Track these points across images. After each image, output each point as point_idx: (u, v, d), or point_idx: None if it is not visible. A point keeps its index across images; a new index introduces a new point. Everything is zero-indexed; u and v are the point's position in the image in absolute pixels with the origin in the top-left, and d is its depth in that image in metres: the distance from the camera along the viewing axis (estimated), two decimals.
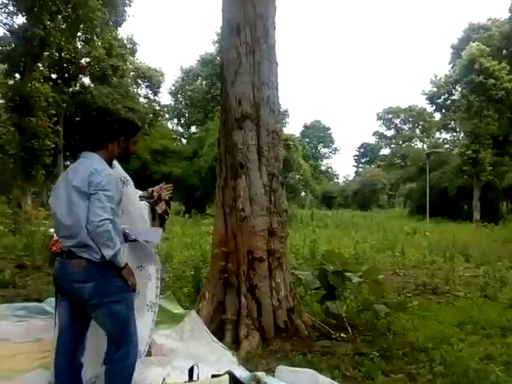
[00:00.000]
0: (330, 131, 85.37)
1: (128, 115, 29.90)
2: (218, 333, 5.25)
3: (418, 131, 75.10)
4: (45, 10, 22.78)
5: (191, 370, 3.76)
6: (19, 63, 25.24)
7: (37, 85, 24.09)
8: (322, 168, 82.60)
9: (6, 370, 4.09)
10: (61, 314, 3.29)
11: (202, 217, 26.18)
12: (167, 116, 52.05)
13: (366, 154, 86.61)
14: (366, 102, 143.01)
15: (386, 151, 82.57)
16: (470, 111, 36.23)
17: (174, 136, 49.55)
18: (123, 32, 52.74)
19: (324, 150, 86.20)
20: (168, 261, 10.33)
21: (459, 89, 40.38)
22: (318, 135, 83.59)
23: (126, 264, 3.18)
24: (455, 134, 52.18)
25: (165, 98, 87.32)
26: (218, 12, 6.19)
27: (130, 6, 28.09)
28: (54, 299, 4.80)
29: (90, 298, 3.06)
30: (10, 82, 25.98)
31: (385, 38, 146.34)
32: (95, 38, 28.06)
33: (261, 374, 3.92)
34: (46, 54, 27.02)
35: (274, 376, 4.04)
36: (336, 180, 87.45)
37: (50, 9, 22.90)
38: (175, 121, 54.81)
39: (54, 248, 4.62)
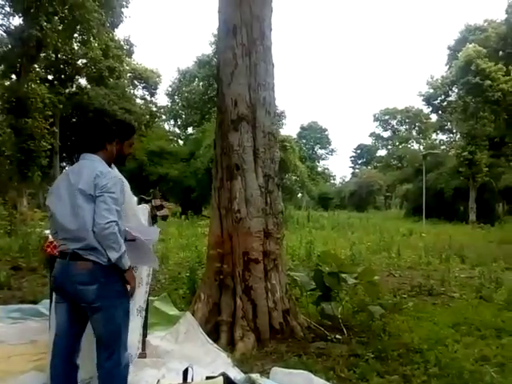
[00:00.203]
0: (326, 132, 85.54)
1: (124, 116, 29.89)
2: (213, 334, 5.25)
3: (414, 132, 75.27)
4: (41, 11, 22.75)
5: (186, 372, 3.76)
6: (15, 64, 25.20)
7: (33, 86, 24.10)
8: (319, 169, 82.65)
9: (1, 372, 4.08)
10: (58, 317, 3.26)
11: (198, 218, 26.16)
12: (164, 117, 52.02)
13: (363, 155, 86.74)
14: (363, 104, 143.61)
15: (382, 152, 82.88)
16: (466, 112, 36.29)
17: (171, 137, 49.47)
18: (120, 33, 52.86)
19: (321, 152, 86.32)
20: (164, 262, 10.31)
21: (456, 90, 40.46)
22: (314, 136, 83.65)
23: (130, 267, 3.17)
24: (451, 135, 52.35)
25: (161, 100, 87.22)
26: (214, 13, 6.19)
27: (126, 7, 28.13)
28: (48, 301, 4.80)
29: (93, 300, 3.04)
30: (7, 83, 25.97)
31: (381, 39, 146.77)
32: (92, 39, 28.00)
33: (255, 376, 3.93)
34: (42, 55, 26.98)
35: (268, 377, 4.04)
36: (332, 181, 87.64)
37: (47, 10, 22.86)
38: (172, 122, 54.78)
39: (49, 250, 4.61)
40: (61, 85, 32.28)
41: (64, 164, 40.92)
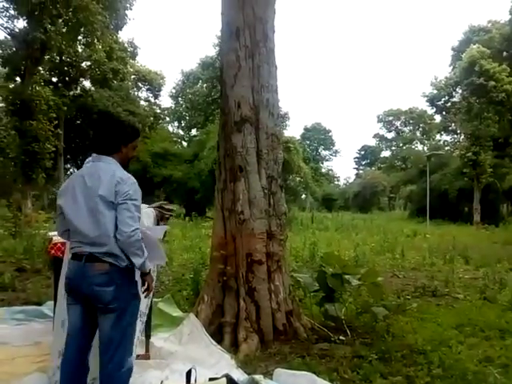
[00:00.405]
0: (330, 133, 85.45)
1: (128, 118, 29.93)
2: (217, 336, 5.25)
3: (418, 133, 75.12)
4: (45, 13, 22.77)
5: (189, 373, 3.77)
6: (20, 67, 25.25)
7: (37, 88, 24.10)
8: (323, 170, 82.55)
9: (5, 374, 4.10)
10: (70, 318, 3.24)
11: (202, 219, 26.19)
12: (168, 119, 52.15)
13: (367, 156, 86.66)
14: (367, 105, 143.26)
15: (386, 153, 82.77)
16: (470, 113, 36.17)
17: (175, 139, 49.60)
18: (124, 35, 53.07)
19: (324, 153, 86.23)
20: (168, 263, 10.32)
21: (460, 91, 40.31)
22: (318, 138, 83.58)
23: (150, 270, 3.21)
24: (456, 136, 52.06)
25: (165, 101, 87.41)
26: (218, 15, 6.20)
27: (130, 9, 28.12)
28: (52, 303, 4.82)
29: (110, 301, 3.04)
30: (11, 86, 25.99)
31: (385, 40, 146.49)
32: (96, 41, 28.04)
33: (259, 377, 3.93)
34: (46, 57, 27.01)
35: (272, 379, 4.04)
36: (336, 182, 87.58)
37: (51, 12, 22.87)
38: (176, 124, 54.99)
39: (53, 251, 4.63)
40: (65, 87, 32.38)
41: (68, 166, 41.13)
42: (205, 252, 9.95)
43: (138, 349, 4.31)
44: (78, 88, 35.42)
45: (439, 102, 45.53)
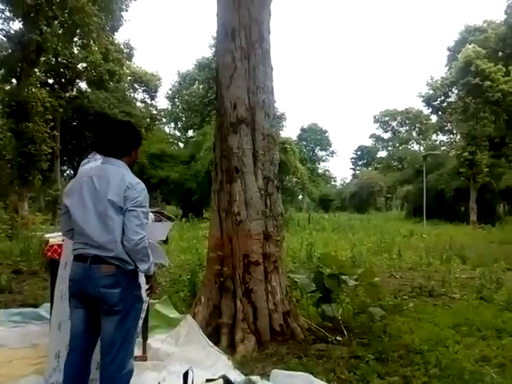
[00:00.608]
0: (326, 134, 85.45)
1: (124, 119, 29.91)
2: (214, 337, 5.26)
3: (414, 133, 75.26)
4: (41, 15, 22.75)
5: (186, 375, 3.77)
6: (16, 68, 25.22)
7: (33, 90, 24.08)
8: (319, 171, 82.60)
9: (2, 376, 4.10)
10: (74, 321, 3.23)
11: (199, 221, 26.15)
12: (164, 120, 52.19)
13: (363, 156, 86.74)
14: (363, 105, 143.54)
15: (382, 154, 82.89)
16: (466, 113, 36.26)
17: (171, 140, 49.62)
18: (120, 37, 53.09)
19: (321, 153, 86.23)
20: (164, 265, 10.31)
21: (455, 91, 40.43)
22: (314, 138, 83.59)
23: (154, 272, 3.24)
24: (452, 136, 52.22)
25: (162, 103, 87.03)
26: (214, 16, 6.19)
27: (126, 10, 28.10)
28: (49, 305, 4.82)
29: (116, 303, 3.05)
30: (7, 88, 26.00)
31: (381, 40, 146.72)
32: (92, 43, 27.97)
33: (255, 378, 3.94)
34: (42, 59, 27.01)
35: (269, 380, 4.05)
36: (333, 183, 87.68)
37: (47, 14, 22.86)
38: (172, 125, 54.97)
39: (50, 254, 4.63)
40: (61, 89, 32.30)
41: (65, 168, 41.04)
42: (202, 253, 9.96)
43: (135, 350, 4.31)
44: (74, 89, 35.34)
45: (435, 102, 45.66)
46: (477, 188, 35.63)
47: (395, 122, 78.04)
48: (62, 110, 28.96)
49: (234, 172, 5.67)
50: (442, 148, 50.68)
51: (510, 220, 34.85)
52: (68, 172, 43.03)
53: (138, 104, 44.37)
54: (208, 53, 44.57)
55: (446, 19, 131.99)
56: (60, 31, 24.94)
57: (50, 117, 25.10)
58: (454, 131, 46.86)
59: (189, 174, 35.04)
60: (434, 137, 63.26)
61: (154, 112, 46.46)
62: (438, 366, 4.61)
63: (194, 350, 4.82)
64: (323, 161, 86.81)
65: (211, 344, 4.97)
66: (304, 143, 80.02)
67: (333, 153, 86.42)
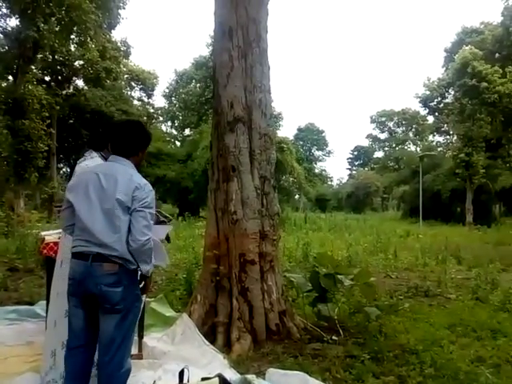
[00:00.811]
0: (323, 134, 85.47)
1: (121, 118, 29.88)
2: (210, 336, 5.25)
3: (411, 134, 75.38)
4: (38, 12, 22.67)
5: (182, 373, 3.77)
6: (12, 65, 25.16)
7: (30, 87, 24.01)
8: (316, 171, 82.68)
9: None
10: (73, 319, 3.20)
11: (195, 219, 26.15)
12: (161, 119, 52.03)
13: (360, 156, 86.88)
14: (360, 105, 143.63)
15: (379, 154, 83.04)
16: (462, 114, 36.30)
17: (168, 138, 49.53)
18: (117, 34, 53.04)
19: (318, 153, 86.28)
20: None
21: (452, 92, 40.43)
22: (311, 138, 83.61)
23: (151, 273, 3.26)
24: (448, 136, 52.23)
25: (159, 101, 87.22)
26: (211, 15, 6.19)
27: (123, 8, 28.08)
28: (45, 302, 4.81)
29: (118, 302, 3.03)
30: (3, 85, 25.91)
31: (378, 41, 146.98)
32: (89, 40, 27.91)
33: (251, 377, 3.93)
34: (39, 56, 26.89)
35: (264, 379, 4.05)
36: (330, 183, 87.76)
37: (44, 11, 22.78)
38: (169, 123, 54.85)
39: (45, 251, 4.62)
40: (58, 86, 32.20)
41: (61, 165, 40.96)
42: (198, 252, 9.95)
43: None
44: (71, 87, 35.20)
45: (432, 103, 45.65)
46: (473, 189, 35.68)
47: (392, 123, 78.18)
48: (58, 107, 28.86)
49: (231, 171, 5.67)
50: (439, 149, 50.76)
51: (506, 221, 34.89)
52: (64, 170, 43.00)
53: (135, 102, 44.33)
54: (205, 51, 44.63)
55: (443, 20, 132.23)
56: (57, 28, 24.83)
57: (47, 114, 25.04)
58: (451, 132, 46.89)
59: (185, 173, 35.03)
60: (430, 138, 63.37)
61: (151, 110, 46.39)
62: (433, 365, 4.61)
63: (190, 349, 4.82)
64: (320, 160, 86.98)
65: (207, 343, 4.97)
66: (301, 143, 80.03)
67: (329, 153, 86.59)
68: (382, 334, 5.60)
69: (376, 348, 5.02)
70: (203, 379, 3.78)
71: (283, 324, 5.58)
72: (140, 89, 46.21)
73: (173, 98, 51.94)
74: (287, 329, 5.56)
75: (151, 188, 3.21)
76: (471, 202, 35.41)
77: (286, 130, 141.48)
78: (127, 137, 3.34)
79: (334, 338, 5.44)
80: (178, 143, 50.02)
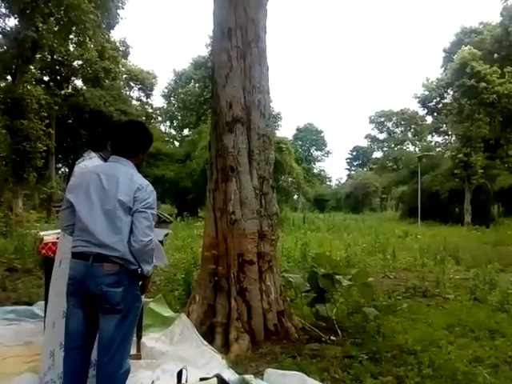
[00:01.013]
0: (322, 134, 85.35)
1: (119, 118, 29.88)
2: (208, 336, 5.26)
3: (409, 134, 75.36)
4: (37, 12, 22.68)
5: (180, 374, 3.77)
6: (11, 65, 25.17)
7: (29, 87, 24.04)
8: (315, 171, 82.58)
9: None
10: (73, 319, 3.19)
11: (194, 219, 26.15)
12: (160, 119, 52.04)
13: (359, 157, 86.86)
14: (359, 105, 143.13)
15: (378, 154, 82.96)
16: (461, 114, 36.30)
17: (167, 139, 49.56)
18: (116, 34, 52.99)
19: (316, 153, 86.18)
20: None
21: (451, 92, 40.43)
22: (310, 138, 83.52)
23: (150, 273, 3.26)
24: (447, 137, 52.33)
25: (157, 101, 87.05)
26: (210, 15, 6.19)
27: (122, 8, 28.14)
28: (43, 303, 4.81)
29: (118, 302, 3.03)
30: (2, 84, 25.92)
31: (377, 41, 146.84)
32: (87, 40, 27.94)
33: (249, 377, 3.94)
34: (38, 56, 26.90)
35: (262, 379, 4.06)
36: (328, 183, 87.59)
37: (43, 11, 22.79)
38: (168, 123, 54.78)
39: (44, 251, 4.62)
40: (56, 86, 32.20)
41: (60, 165, 40.94)
42: (196, 252, 9.95)
43: None
44: (70, 87, 35.20)
45: (431, 104, 45.67)
46: (471, 189, 35.70)
47: (390, 123, 78.16)
48: (57, 107, 28.87)
49: (230, 171, 5.67)
50: (437, 149, 50.86)
51: (504, 221, 34.89)
52: (63, 170, 43.00)
53: (134, 102, 44.37)
54: (204, 51, 44.61)
55: (441, 21, 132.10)
56: (56, 28, 24.87)
57: (45, 114, 25.05)
58: (449, 132, 46.96)
59: (184, 173, 35.01)
60: (429, 138, 63.49)
61: (150, 110, 46.44)
62: (431, 366, 4.62)
63: (188, 349, 4.82)
64: (318, 161, 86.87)
65: (205, 343, 4.97)
66: (299, 143, 79.94)
67: (328, 153, 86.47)
68: (380, 335, 5.62)
69: (374, 348, 5.03)
70: (201, 379, 3.78)
71: (281, 324, 5.58)
72: (139, 89, 46.25)
73: (171, 98, 51.92)
74: (285, 329, 5.57)
75: (153, 189, 3.22)
76: (470, 202, 35.43)
77: (285, 130, 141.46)
78: (129, 137, 3.35)
79: (332, 338, 5.44)
80: (176, 143, 50.03)
